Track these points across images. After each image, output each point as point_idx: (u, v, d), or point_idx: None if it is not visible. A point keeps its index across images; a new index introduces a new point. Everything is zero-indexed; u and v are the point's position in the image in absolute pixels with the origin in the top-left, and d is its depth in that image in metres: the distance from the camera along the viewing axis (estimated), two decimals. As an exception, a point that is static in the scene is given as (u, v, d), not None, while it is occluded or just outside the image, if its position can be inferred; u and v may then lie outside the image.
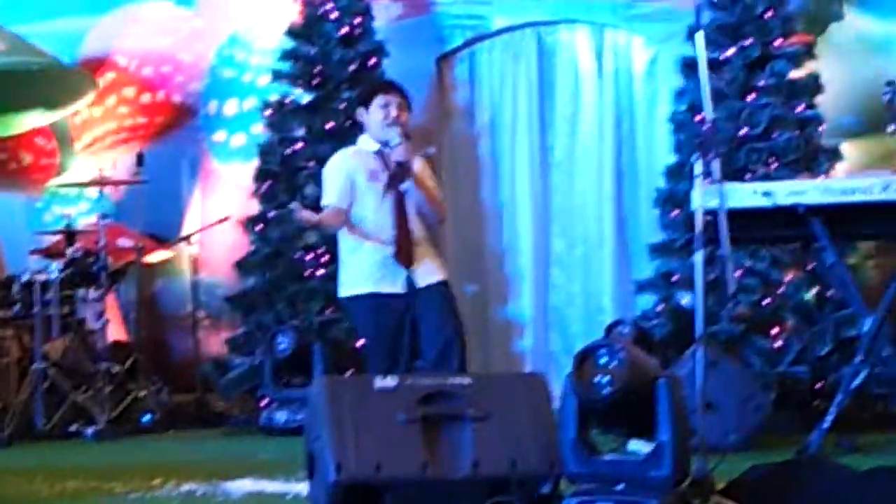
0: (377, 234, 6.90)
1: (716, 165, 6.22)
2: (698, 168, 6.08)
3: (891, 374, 7.62)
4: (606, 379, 5.12)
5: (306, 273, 9.91)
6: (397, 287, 6.87)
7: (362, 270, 6.92)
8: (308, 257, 9.92)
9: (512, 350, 10.47)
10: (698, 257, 5.75)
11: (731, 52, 9.18)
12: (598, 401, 5.11)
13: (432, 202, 6.98)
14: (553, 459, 5.27)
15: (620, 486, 5.02)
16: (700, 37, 6.43)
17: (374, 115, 6.97)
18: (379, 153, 6.97)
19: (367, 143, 7.06)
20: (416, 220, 6.97)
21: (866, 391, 7.82)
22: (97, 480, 6.89)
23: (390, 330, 6.90)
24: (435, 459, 5.25)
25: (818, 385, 8.60)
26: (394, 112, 6.92)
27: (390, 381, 5.44)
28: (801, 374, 8.63)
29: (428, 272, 6.94)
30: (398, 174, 6.85)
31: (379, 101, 6.97)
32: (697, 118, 8.97)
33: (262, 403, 9.46)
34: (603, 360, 5.16)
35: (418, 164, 7.01)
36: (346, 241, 7.03)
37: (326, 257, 9.87)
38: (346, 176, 6.96)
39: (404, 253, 6.86)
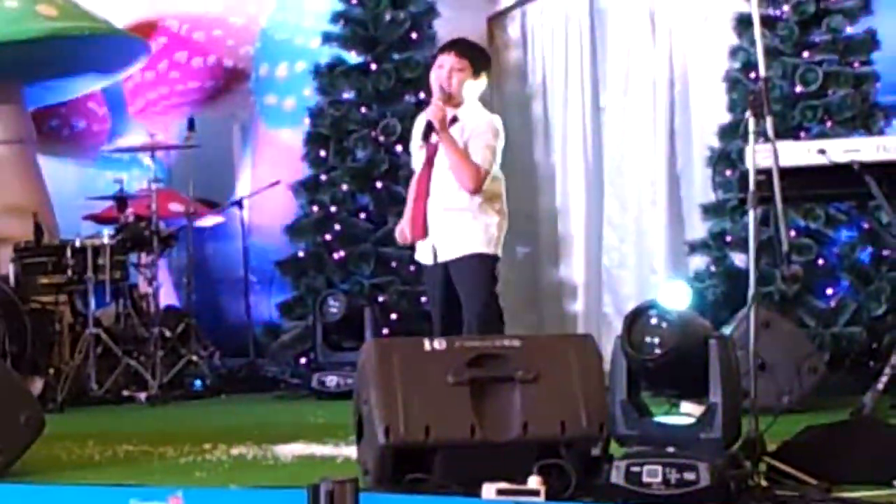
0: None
1: (769, 124, 6.14)
2: (751, 126, 6.00)
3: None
4: (656, 340, 5.07)
5: (357, 237, 9.88)
6: (427, 258, 6.80)
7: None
8: (359, 221, 9.89)
9: (564, 312, 10.41)
10: (751, 217, 5.68)
11: (786, 8, 9.04)
12: (648, 362, 5.06)
13: (457, 169, 6.65)
14: (603, 422, 5.23)
15: (671, 449, 4.97)
16: (753, -7, 6.36)
17: (432, 73, 6.91)
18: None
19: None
20: (447, 188, 6.72)
21: (922, 352, 7.74)
22: (149, 445, 6.92)
23: (433, 298, 6.89)
24: (484, 422, 5.23)
25: (873, 345, 8.49)
26: (444, 72, 6.82)
27: (439, 344, 5.42)
28: (855, 335, 8.53)
29: (451, 244, 6.73)
30: (425, 133, 6.79)
31: (437, 61, 6.91)
32: (751, 76, 8.85)
33: (314, 367, 9.46)
34: (653, 321, 5.11)
35: (466, 127, 6.76)
36: None
37: (377, 221, 9.85)
38: (414, 137, 6.99)
39: (415, 224, 6.76)
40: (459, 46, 6.94)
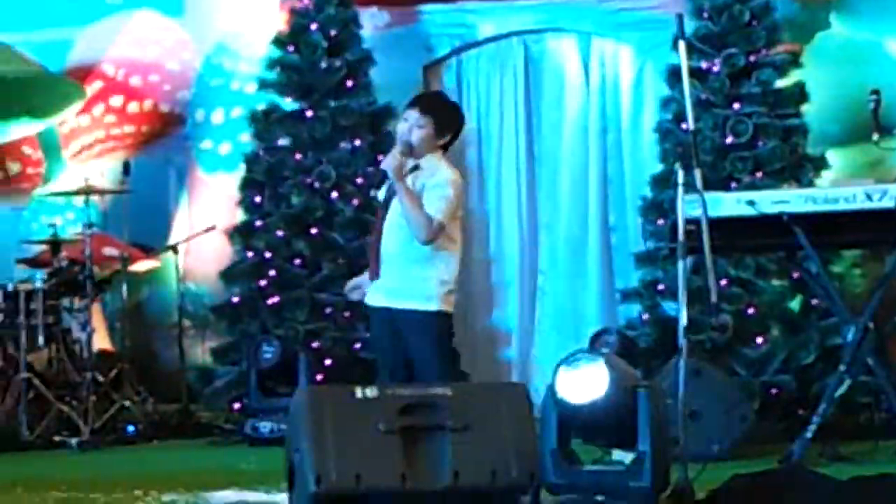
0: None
1: (698, 175, 6.23)
2: (681, 177, 6.09)
3: (874, 383, 7.61)
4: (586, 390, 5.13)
5: (292, 283, 9.88)
6: (377, 300, 6.74)
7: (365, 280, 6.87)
8: (294, 267, 9.90)
9: (497, 358, 10.46)
10: (680, 267, 5.76)
11: (716, 61, 9.17)
12: (577, 412, 5.11)
13: (409, 219, 6.50)
14: (534, 470, 5.25)
15: (600, 497, 5.02)
16: (682, 46, 6.45)
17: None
18: None
19: None
20: (398, 235, 6.60)
21: (850, 400, 7.84)
22: (80, 491, 6.89)
23: (378, 341, 6.81)
24: (415, 470, 5.24)
25: (803, 394, 8.59)
26: (401, 125, 6.81)
27: (371, 392, 5.43)
28: (785, 383, 8.64)
29: (398, 292, 6.58)
30: (377, 180, 6.80)
31: (403, 114, 6.88)
32: (683, 127, 8.97)
33: (247, 413, 9.43)
34: (583, 371, 5.17)
35: (423, 178, 6.63)
36: None
37: (312, 267, 9.86)
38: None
39: (371, 265, 6.75)
40: (423, 102, 6.90)
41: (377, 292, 6.65)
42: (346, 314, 9.67)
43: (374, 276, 6.66)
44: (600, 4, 10.29)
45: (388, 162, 6.63)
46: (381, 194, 6.82)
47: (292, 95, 10.21)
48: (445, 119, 6.77)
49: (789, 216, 7.01)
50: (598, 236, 10.25)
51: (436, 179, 6.61)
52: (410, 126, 6.70)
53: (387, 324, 6.64)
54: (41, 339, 9.51)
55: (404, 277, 6.58)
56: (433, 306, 6.51)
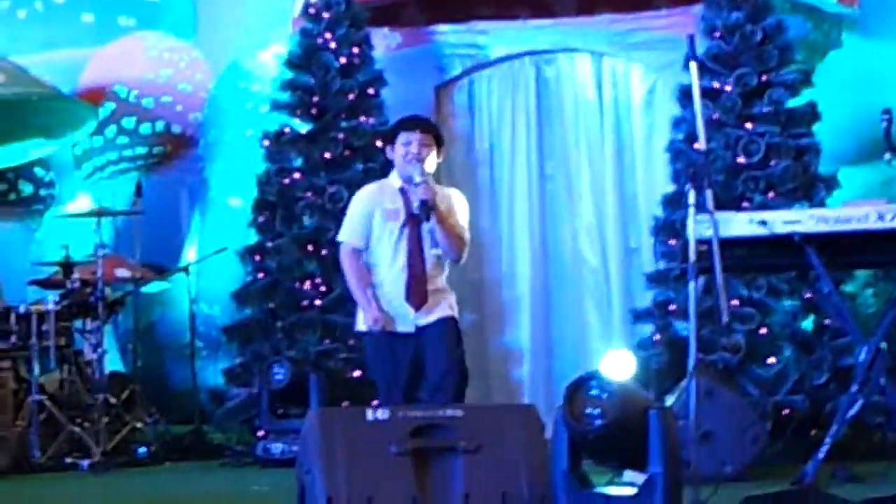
0: (391, 274, 6.88)
1: (709, 195, 6.23)
2: (692, 198, 6.09)
3: (887, 404, 7.58)
4: (597, 411, 5.11)
5: (303, 304, 9.88)
6: (409, 327, 6.85)
7: (382, 309, 6.89)
8: (305, 288, 9.90)
9: (510, 378, 10.44)
10: (691, 288, 5.74)
11: (728, 80, 9.16)
12: (589, 433, 5.10)
13: (452, 241, 6.85)
14: (545, 492, 5.25)
15: (612, 519, 5.01)
16: (694, 67, 6.46)
17: (398, 151, 6.93)
18: (402, 190, 6.94)
19: (394, 179, 7.04)
20: (433, 259, 6.89)
21: (863, 421, 7.83)
22: (91, 513, 6.88)
23: (400, 368, 6.88)
24: (426, 493, 5.25)
25: (816, 414, 8.55)
26: (414, 149, 6.86)
27: (382, 414, 5.43)
28: (798, 404, 8.60)
29: (435, 310, 6.87)
30: (423, 212, 6.75)
31: (401, 138, 6.92)
32: (695, 147, 8.95)
33: (259, 435, 9.43)
34: (594, 392, 5.16)
35: (445, 201, 6.92)
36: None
37: (323, 288, 9.86)
38: (365, 212, 6.97)
39: (416, 295, 6.82)
40: (422, 123, 7.07)
41: (409, 319, 6.78)
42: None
43: (420, 305, 6.75)
44: (612, 25, 10.28)
45: (429, 191, 6.68)
46: (396, 228, 6.85)
47: (304, 116, 10.23)
48: (440, 136, 6.98)
49: (801, 236, 6.98)
50: (613, 256, 10.23)
51: (456, 201, 6.84)
52: (419, 146, 6.79)
53: (410, 347, 6.75)
54: (53, 361, 9.52)
55: (443, 296, 6.93)
56: (456, 313, 6.96)
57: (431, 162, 6.91)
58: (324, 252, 9.89)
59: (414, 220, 6.87)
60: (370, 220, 6.94)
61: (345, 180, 9.96)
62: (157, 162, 11.73)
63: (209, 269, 10.65)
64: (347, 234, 7.01)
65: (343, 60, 10.18)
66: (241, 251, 10.18)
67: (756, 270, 8.37)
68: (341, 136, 10.06)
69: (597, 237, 10.33)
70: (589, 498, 5.14)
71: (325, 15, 10.18)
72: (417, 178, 6.77)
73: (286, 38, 10.64)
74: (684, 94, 9.15)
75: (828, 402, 8.54)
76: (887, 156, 7.24)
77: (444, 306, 6.90)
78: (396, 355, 6.90)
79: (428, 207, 6.71)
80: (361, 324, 6.99)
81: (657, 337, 9.10)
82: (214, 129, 11.48)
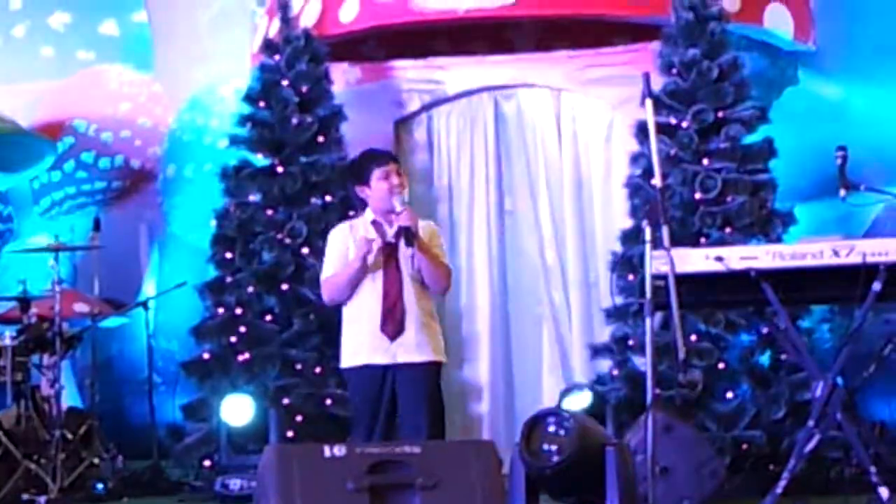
0: (368, 302, 6.83)
1: (665, 231, 6.27)
2: (648, 234, 6.13)
3: (844, 438, 7.62)
4: (554, 447, 5.13)
5: (262, 339, 9.86)
6: (386, 357, 6.79)
7: (358, 342, 6.85)
8: (264, 323, 9.88)
9: (470, 414, 10.43)
10: (647, 324, 5.77)
11: (685, 117, 9.22)
12: (546, 469, 5.12)
13: (437, 270, 6.79)
14: (502, 528, 5.25)
15: (569, 556, 5.02)
16: (649, 104, 6.51)
17: (378, 187, 6.87)
18: (374, 223, 6.93)
19: (367, 215, 7.00)
20: (413, 290, 6.80)
21: (820, 455, 7.84)
22: (47, 550, 6.83)
23: (374, 402, 6.80)
24: (383, 529, 5.24)
25: (773, 449, 8.59)
26: (395, 179, 6.88)
27: (339, 450, 5.43)
28: (756, 438, 8.64)
29: (413, 347, 6.75)
30: (405, 237, 6.71)
31: (378, 173, 6.88)
32: (652, 183, 9.00)
33: (217, 470, 9.39)
34: (551, 429, 5.18)
35: (424, 230, 6.88)
36: (344, 311, 6.97)
37: (283, 323, 9.84)
38: (342, 247, 6.93)
39: (391, 324, 6.77)
40: (390, 154, 7.23)
41: (387, 350, 6.71)
42: (317, 370, 9.65)
43: (398, 335, 6.72)
44: (570, 60, 10.33)
45: (410, 217, 6.68)
46: (370, 258, 6.82)
47: (263, 151, 10.21)
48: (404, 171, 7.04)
49: (757, 272, 7.02)
50: (572, 291, 10.25)
51: (433, 231, 6.86)
52: (398, 176, 6.85)
53: (380, 380, 6.71)
54: (10, 397, 9.46)
55: (423, 329, 6.78)
56: (443, 358, 6.86)
57: (406, 191, 6.94)
58: (283, 287, 9.87)
59: (390, 248, 6.86)
60: (346, 254, 6.92)
61: (304, 215, 9.96)
62: (116, 196, 11.72)
63: (168, 304, 10.63)
64: (329, 271, 6.98)
65: (302, 95, 10.18)
66: (199, 286, 10.15)
67: (713, 306, 8.39)
68: (300, 170, 10.05)
69: (556, 272, 10.35)
70: (546, 534, 5.15)
71: (285, 50, 10.19)
72: (399, 207, 6.77)
73: (246, 73, 10.65)
74: (642, 130, 9.18)
75: (785, 436, 8.60)
76: (842, 192, 7.30)
77: (424, 343, 6.77)
78: (368, 388, 6.82)
79: (410, 233, 6.71)
80: (345, 360, 6.95)
81: (615, 372, 9.12)
82: (174, 163, 11.47)
